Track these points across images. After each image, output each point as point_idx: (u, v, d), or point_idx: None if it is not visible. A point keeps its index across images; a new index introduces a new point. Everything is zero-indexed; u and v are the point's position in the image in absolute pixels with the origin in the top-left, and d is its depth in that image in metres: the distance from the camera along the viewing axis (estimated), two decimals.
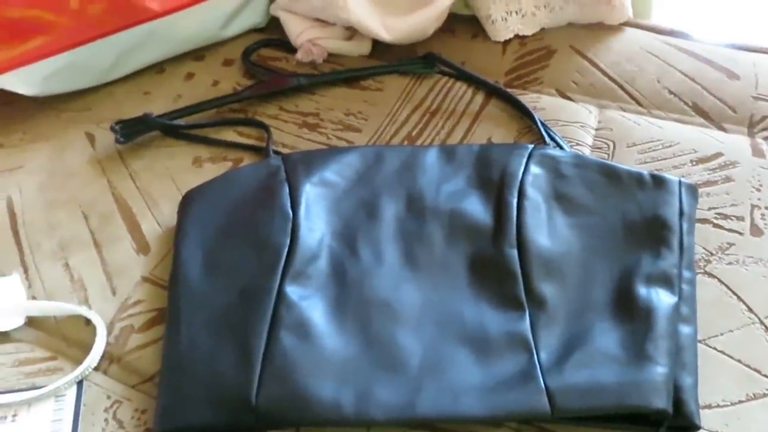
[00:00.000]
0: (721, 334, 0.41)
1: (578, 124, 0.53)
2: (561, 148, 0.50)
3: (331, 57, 0.60)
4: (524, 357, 0.38)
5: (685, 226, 0.43)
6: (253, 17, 0.62)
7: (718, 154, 0.50)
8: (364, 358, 0.39)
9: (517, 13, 0.59)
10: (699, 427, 0.37)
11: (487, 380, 0.38)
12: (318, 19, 0.60)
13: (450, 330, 0.40)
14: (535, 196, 0.45)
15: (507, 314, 0.40)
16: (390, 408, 0.37)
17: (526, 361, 0.38)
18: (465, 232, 0.44)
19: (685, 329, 0.40)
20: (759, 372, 0.40)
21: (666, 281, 0.41)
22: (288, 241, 0.43)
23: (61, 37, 0.55)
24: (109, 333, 0.43)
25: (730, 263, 0.44)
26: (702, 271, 0.44)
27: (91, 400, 0.40)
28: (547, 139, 0.51)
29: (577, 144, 0.52)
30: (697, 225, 0.46)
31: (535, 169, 0.46)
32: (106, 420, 0.40)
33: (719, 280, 0.44)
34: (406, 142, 0.53)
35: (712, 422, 0.38)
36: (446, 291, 0.41)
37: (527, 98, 0.55)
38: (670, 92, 0.55)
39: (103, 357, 0.42)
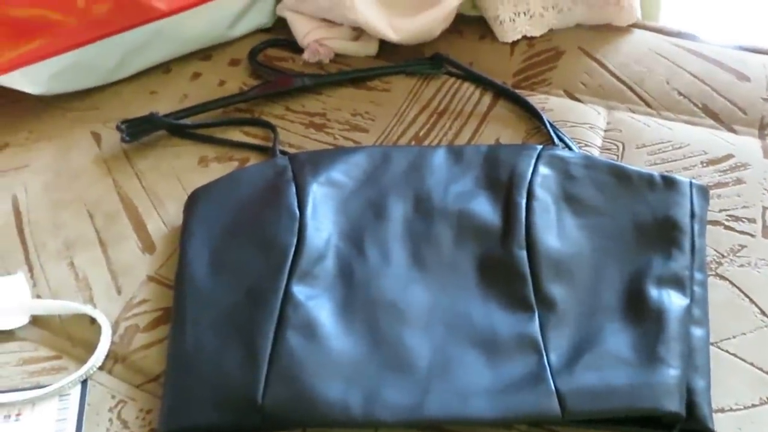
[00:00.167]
0: (734, 337, 0.41)
1: (587, 126, 0.53)
2: (570, 149, 0.49)
3: (338, 57, 0.60)
4: (534, 359, 0.38)
5: (696, 227, 0.43)
6: (259, 17, 0.62)
7: (729, 156, 0.50)
8: (371, 359, 0.38)
9: (525, 14, 0.59)
10: (712, 431, 0.37)
11: (496, 382, 0.37)
12: (325, 20, 0.60)
13: (458, 331, 0.39)
14: (544, 196, 0.44)
15: (516, 315, 0.40)
16: (398, 409, 0.36)
17: (535, 363, 0.38)
18: (473, 233, 0.43)
19: (697, 331, 0.39)
20: None
21: (677, 283, 0.40)
22: (295, 241, 0.43)
23: (67, 37, 0.55)
24: (114, 332, 0.43)
25: (741, 265, 0.44)
26: (713, 273, 0.44)
27: (96, 400, 0.40)
28: (556, 140, 0.51)
29: (586, 145, 0.51)
30: (709, 227, 0.45)
31: (544, 169, 0.46)
32: (110, 420, 0.39)
33: (731, 283, 0.43)
34: (413, 143, 0.53)
35: (725, 426, 0.37)
36: (454, 292, 0.41)
37: (535, 99, 0.55)
38: (680, 94, 0.55)
39: (107, 356, 0.42)
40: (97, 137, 0.55)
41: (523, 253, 0.42)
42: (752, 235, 0.45)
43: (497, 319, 0.40)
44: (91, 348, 0.42)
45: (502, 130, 0.53)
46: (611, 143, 0.52)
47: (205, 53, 0.61)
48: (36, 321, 0.44)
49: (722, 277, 0.43)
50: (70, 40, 0.55)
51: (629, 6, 0.59)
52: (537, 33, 0.60)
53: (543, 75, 0.57)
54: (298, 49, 0.60)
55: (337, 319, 0.40)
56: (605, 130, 0.53)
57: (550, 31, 0.60)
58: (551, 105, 0.54)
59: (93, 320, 0.43)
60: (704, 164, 0.50)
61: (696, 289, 0.41)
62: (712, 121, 0.53)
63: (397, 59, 0.59)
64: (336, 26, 0.60)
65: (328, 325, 0.39)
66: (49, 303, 0.44)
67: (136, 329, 0.43)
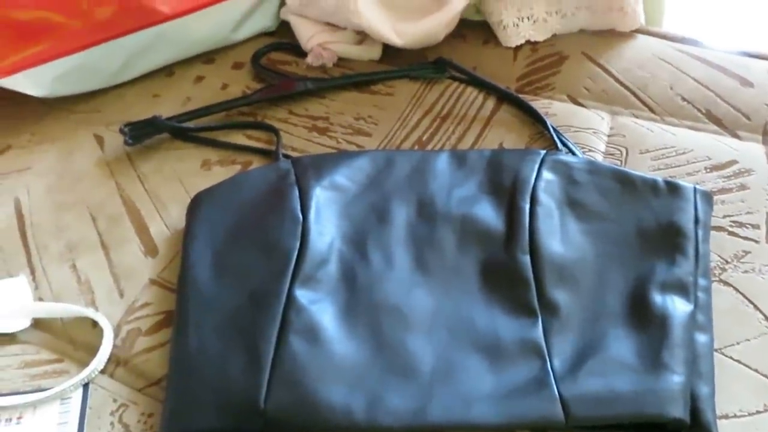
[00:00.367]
0: (738, 343, 0.41)
1: (590, 131, 0.53)
2: (573, 154, 0.49)
3: (342, 61, 0.60)
4: (537, 364, 0.38)
5: (700, 233, 0.43)
6: (263, 21, 0.62)
7: (733, 162, 0.50)
8: (374, 364, 0.38)
9: (528, 19, 0.59)
10: None
11: (499, 387, 0.37)
12: (328, 23, 0.60)
13: (462, 336, 0.39)
14: (547, 202, 0.44)
15: (519, 321, 0.39)
16: (401, 414, 0.36)
17: (539, 369, 0.37)
18: (477, 238, 0.43)
19: (701, 338, 0.39)
20: None
21: (681, 289, 0.40)
22: (298, 245, 0.42)
23: (71, 39, 0.55)
24: (115, 336, 0.43)
25: (745, 271, 0.44)
26: (717, 279, 0.43)
27: (97, 404, 0.40)
28: (560, 144, 0.51)
29: (590, 150, 0.51)
30: (712, 233, 0.45)
31: (547, 174, 0.46)
32: (112, 423, 0.39)
33: (735, 289, 0.43)
34: (416, 147, 0.53)
35: None
36: (458, 296, 0.41)
37: (539, 104, 0.55)
38: (683, 99, 0.55)
39: (109, 360, 0.42)
40: (100, 140, 0.55)
41: (527, 258, 0.42)
42: (756, 241, 0.45)
43: (500, 324, 0.39)
44: (93, 351, 0.42)
45: (505, 134, 0.53)
46: (615, 148, 0.52)
47: (208, 56, 0.61)
48: (38, 324, 0.44)
49: (726, 283, 0.43)
50: (73, 43, 0.55)
51: (633, 11, 0.59)
52: (540, 38, 0.60)
53: (546, 80, 0.57)
54: (301, 53, 0.60)
55: (340, 324, 0.40)
56: (609, 135, 0.53)
57: (554, 36, 0.60)
58: (555, 110, 0.54)
59: (95, 323, 0.43)
60: (708, 170, 0.50)
61: (700, 295, 0.41)
62: (715, 127, 0.53)
63: (401, 63, 0.59)
64: (339, 30, 0.60)
65: (331, 330, 0.39)
66: (51, 306, 0.44)
67: (138, 333, 0.43)
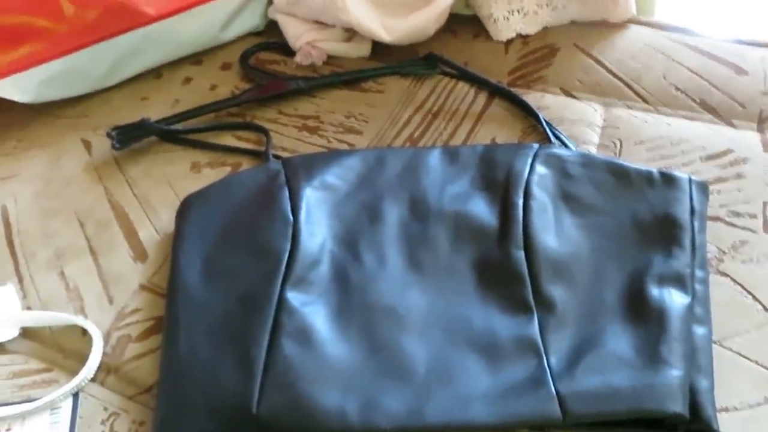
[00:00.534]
0: (737, 335, 0.40)
1: (584, 123, 0.52)
2: (567, 147, 0.49)
3: (331, 59, 0.59)
4: (534, 362, 0.37)
5: (696, 224, 0.42)
6: (251, 20, 0.62)
7: (728, 151, 0.49)
8: (368, 365, 0.38)
9: (519, 11, 0.58)
10: None
11: (496, 386, 0.36)
12: (317, 21, 0.59)
13: (457, 335, 0.39)
14: (541, 196, 0.44)
15: (515, 318, 0.39)
16: (397, 416, 0.36)
17: (535, 366, 0.37)
18: (470, 235, 0.43)
19: (699, 330, 0.39)
20: None
21: (679, 281, 0.40)
22: (288, 247, 0.42)
23: (56, 43, 0.54)
24: (105, 343, 0.42)
25: (743, 261, 0.43)
26: (715, 270, 0.43)
27: (88, 413, 0.39)
28: (553, 138, 0.50)
29: (584, 143, 0.51)
30: (709, 223, 0.45)
31: (540, 168, 0.45)
32: None
33: (733, 280, 0.42)
34: (408, 144, 0.52)
35: (730, 427, 0.37)
36: (452, 295, 0.40)
37: (531, 97, 0.54)
38: (677, 89, 0.54)
39: (99, 368, 0.41)
40: (87, 145, 0.55)
41: (521, 254, 0.41)
42: (753, 231, 0.45)
43: (496, 322, 0.39)
44: (82, 359, 0.41)
45: (497, 129, 0.52)
46: (609, 140, 0.51)
47: (196, 58, 0.61)
48: (26, 333, 0.43)
49: (724, 274, 0.43)
50: (59, 47, 0.54)
51: (624, 2, 0.58)
52: (531, 31, 0.59)
53: (538, 73, 0.57)
54: (290, 52, 0.60)
55: (333, 325, 0.39)
56: (602, 128, 0.52)
57: (545, 28, 0.60)
58: (547, 103, 0.54)
59: (84, 331, 0.43)
60: (703, 159, 0.49)
61: (697, 286, 0.40)
62: (710, 116, 0.52)
63: (391, 60, 0.58)
64: (328, 28, 0.59)
65: (324, 332, 0.39)
66: (40, 314, 0.44)
67: (128, 339, 0.42)
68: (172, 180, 0.51)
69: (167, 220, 0.48)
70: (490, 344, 0.38)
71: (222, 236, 0.44)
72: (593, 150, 0.50)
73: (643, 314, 0.38)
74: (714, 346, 0.39)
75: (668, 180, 0.44)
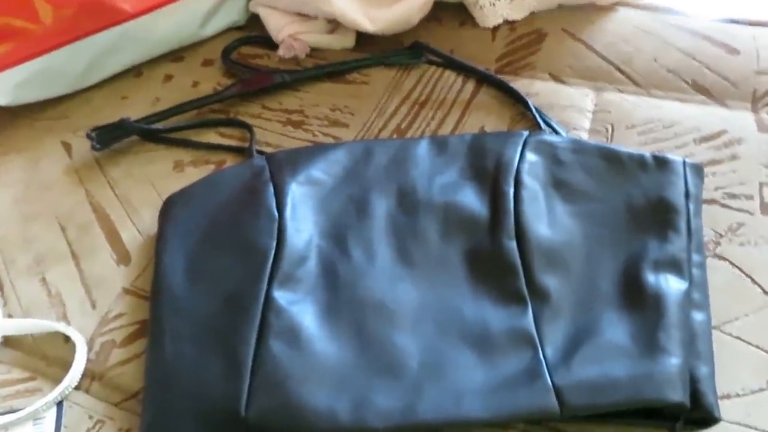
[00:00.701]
0: (736, 319, 0.39)
1: (574, 109, 0.51)
2: (557, 133, 0.48)
3: (315, 52, 0.58)
4: (529, 354, 0.36)
5: (692, 207, 0.41)
6: (231, 15, 0.60)
7: (722, 132, 0.48)
8: (359, 363, 0.37)
9: None
10: (719, 420, 0.35)
11: (490, 380, 0.35)
12: (299, 13, 0.58)
13: (449, 329, 0.38)
14: (532, 184, 0.43)
15: (508, 310, 0.38)
16: (389, 414, 0.35)
17: (531, 358, 0.36)
18: (460, 226, 0.42)
19: (698, 316, 0.38)
20: None
21: (675, 266, 0.39)
22: (274, 244, 0.41)
23: (32, 44, 0.53)
24: (89, 349, 0.41)
25: (741, 244, 0.42)
26: (712, 253, 0.42)
27: (73, 422, 0.38)
28: (543, 125, 0.49)
29: (574, 129, 0.50)
30: (705, 206, 0.44)
31: (531, 156, 0.44)
32: None
33: (731, 263, 0.41)
34: (395, 135, 0.51)
35: (733, 413, 0.36)
36: (444, 288, 0.39)
37: (520, 84, 0.53)
38: (669, 71, 0.53)
39: (84, 375, 0.40)
40: (67, 147, 0.54)
41: (513, 244, 0.40)
42: (750, 213, 0.44)
43: (489, 314, 0.38)
44: (66, 367, 0.40)
45: (486, 117, 0.51)
46: (600, 125, 0.50)
47: (176, 55, 0.59)
48: (7, 342, 0.42)
49: (721, 258, 0.42)
50: (35, 47, 0.53)
51: None
52: (518, 16, 0.58)
53: (526, 59, 0.56)
54: (272, 46, 0.59)
55: (322, 323, 0.38)
56: (593, 112, 0.51)
57: (532, 13, 0.59)
58: (536, 89, 0.53)
59: (68, 338, 0.42)
60: (697, 141, 0.48)
61: (695, 271, 0.39)
62: (703, 97, 0.51)
63: (375, 50, 0.57)
64: (311, 20, 0.58)
65: (313, 330, 0.38)
66: (21, 322, 0.43)
67: (112, 345, 0.41)
68: (154, 180, 0.50)
69: (150, 221, 0.47)
70: (483, 337, 0.37)
71: (206, 235, 0.43)
72: (584, 136, 0.49)
73: (639, 301, 0.37)
74: (713, 331, 0.38)
75: (662, 163, 0.43)
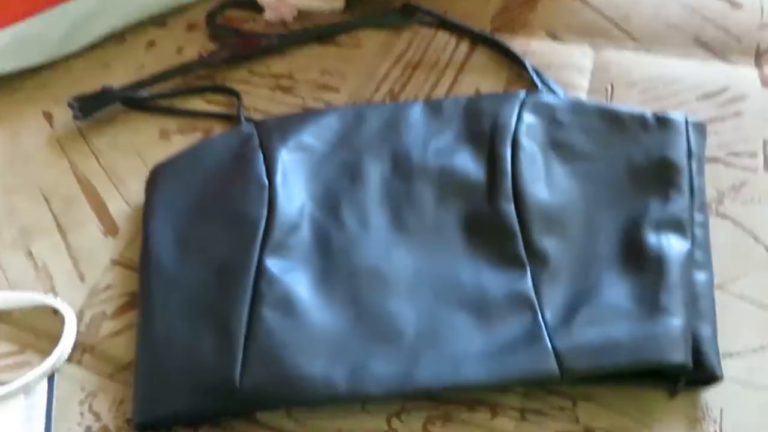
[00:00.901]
0: (739, 279, 0.38)
1: (573, 68, 0.50)
2: (555, 94, 0.46)
3: (303, 15, 0.56)
4: (528, 317, 0.36)
5: (694, 166, 0.40)
6: None
7: (725, 88, 0.47)
8: (355, 331, 0.36)
9: None
10: (720, 379, 0.35)
11: (489, 344, 0.35)
12: None
13: (447, 295, 0.37)
14: (530, 146, 0.41)
15: (507, 273, 0.37)
16: (386, 381, 0.34)
17: (530, 322, 0.35)
18: (457, 190, 0.41)
19: (700, 276, 0.37)
20: None
21: (677, 226, 0.38)
22: (265, 213, 0.40)
23: (6, 10, 0.50)
24: (79, 321, 0.40)
25: (744, 203, 0.41)
26: (714, 212, 0.41)
27: (64, 394, 0.38)
28: (540, 85, 0.47)
29: (573, 88, 0.48)
30: (707, 165, 0.43)
31: (528, 117, 0.43)
32: (81, 413, 0.37)
33: (733, 222, 0.41)
34: (388, 100, 0.49)
35: (735, 372, 0.35)
36: (440, 254, 0.39)
37: (516, 44, 0.51)
38: (669, 26, 0.52)
39: (74, 347, 0.39)
40: (48, 117, 0.52)
41: (511, 207, 0.39)
42: (753, 171, 0.43)
43: (487, 278, 0.37)
44: (55, 340, 0.39)
45: (481, 79, 0.50)
46: (599, 84, 0.49)
47: (160, 19, 0.57)
48: None
49: (724, 217, 0.41)
50: (9, 15, 0.51)
51: None
52: None
53: (523, 18, 0.54)
54: (259, 9, 0.56)
55: (316, 292, 0.37)
56: (592, 71, 0.50)
57: None
58: (533, 48, 0.51)
59: (57, 310, 0.41)
60: (699, 99, 0.47)
61: (697, 231, 0.38)
62: (704, 53, 0.50)
63: (366, 12, 0.55)
64: None
65: (307, 299, 0.37)
66: (8, 295, 0.42)
67: (102, 316, 0.41)
68: (140, 149, 0.49)
69: (137, 191, 0.46)
70: (481, 302, 0.36)
71: (194, 205, 0.42)
72: (583, 95, 0.48)
73: (641, 262, 0.37)
74: (716, 291, 0.38)
75: (663, 122, 0.42)
